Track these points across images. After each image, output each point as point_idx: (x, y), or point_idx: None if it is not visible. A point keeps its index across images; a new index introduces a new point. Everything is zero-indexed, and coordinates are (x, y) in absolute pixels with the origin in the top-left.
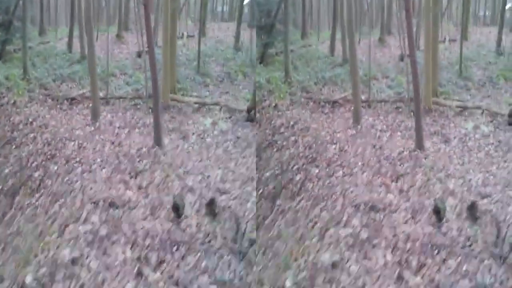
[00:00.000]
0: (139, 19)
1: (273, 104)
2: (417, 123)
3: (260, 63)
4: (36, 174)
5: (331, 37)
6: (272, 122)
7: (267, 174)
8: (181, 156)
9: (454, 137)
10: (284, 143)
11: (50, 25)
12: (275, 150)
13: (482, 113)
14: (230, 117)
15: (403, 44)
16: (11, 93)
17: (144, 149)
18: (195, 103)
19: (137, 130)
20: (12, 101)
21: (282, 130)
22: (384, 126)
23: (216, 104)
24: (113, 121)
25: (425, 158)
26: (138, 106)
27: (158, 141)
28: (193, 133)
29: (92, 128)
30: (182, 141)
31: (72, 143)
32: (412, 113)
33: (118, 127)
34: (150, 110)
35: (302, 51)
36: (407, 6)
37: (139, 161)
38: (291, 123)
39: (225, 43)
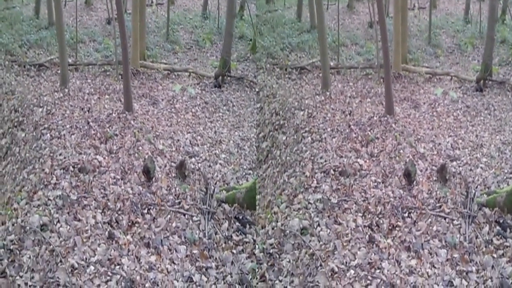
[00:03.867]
0: None
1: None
2: (387, 88)
3: None
4: (2, 142)
5: (298, 2)
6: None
7: None
8: (151, 121)
9: (424, 103)
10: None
11: None
12: None
13: (451, 79)
14: (198, 83)
15: (372, 11)
16: None
17: (114, 115)
18: (165, 69)
19: (107, 96)
20: None
21: None
22: (354, 93)
23: (185, 70)
24: (82, 87)
25: (395, 123)
26: (108, 73)
27: (128, 107)
28: (163, 99)
29: (61, 95)
30: (152, 106)
31: (40, 109)
32: (381, 80)
33: (88, 94)
34: (120, 77)
35: (267, 16)
36: None
37: (109, 127)
38: (257, 89)
39: (193, 11)
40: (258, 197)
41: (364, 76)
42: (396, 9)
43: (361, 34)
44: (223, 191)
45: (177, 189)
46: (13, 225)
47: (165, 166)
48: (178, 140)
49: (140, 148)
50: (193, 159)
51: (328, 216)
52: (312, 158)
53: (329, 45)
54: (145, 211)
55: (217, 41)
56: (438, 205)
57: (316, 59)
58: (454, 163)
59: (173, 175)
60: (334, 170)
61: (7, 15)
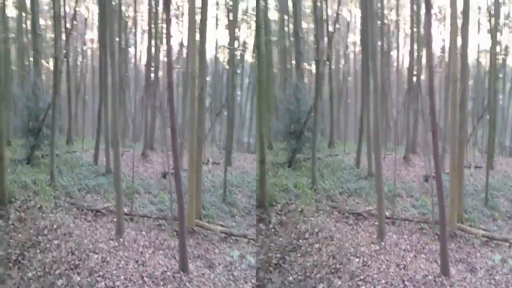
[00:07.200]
0: (165, 140)
1: (299, 209)
2: (442, 247)
3: (288, 167)
4: (59, 283)
5: (357, 149)
6: (298, 226)
7: (290, 278)
8: (207, 285)
9: (481, 268)
10: (308, 249)
11: (77, 135)
12: (299, 255)
13: (510, 246)
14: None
15: (428, 165)
16: (38, 197)
17: (169, 273)
18: (222, 232)
19: (161, 251)
20: (39, 206)
21: (306, 235)
22: (408, 246)
23: (244, 236)
24: (137, 239)
25: (451, 286)
26: (163, 227)
27: (183, 267)
28: (220, 263)
29: (116, 244)
30: (208, 270)
31: (96, 255)
32: (436, 236)
33: (142, 246)
34: (175, 233)
35: (328, 160)
36: (433, 128)
37: (163, 285)
38: (316, 230)
39: (251, 174)
40: None
41: (419, 230)
42: (453, 166)
43: (417, 187)
44: None
45: None
46: None
47: None
48: None
49: None
50: None
51: None
52: None
53: (385, 194)
54: None
55: None
56: None
57: (372, 207)
58: None
59: None
60: None
61: (68, 159)
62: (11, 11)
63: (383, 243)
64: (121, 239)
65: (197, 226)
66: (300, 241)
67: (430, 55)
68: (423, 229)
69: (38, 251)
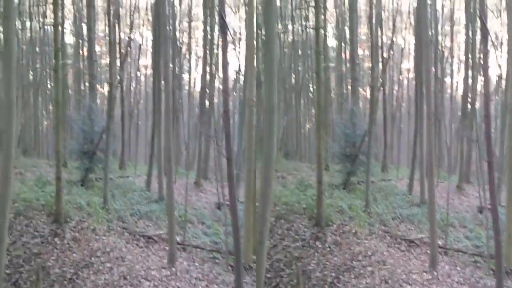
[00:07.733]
0: (219, 169)
1: (353, 231)
2: (498, 284)
3: (343, 188)
4: None
5: (410, 176)
6: (351, 248)
7: None
8: None
9: None
10: (361, 271)
11: (130, 160)
12: (352, 276)
13: None
14: None
15: (482, 196)
16: (91, 219)
17: None
18: None
19: (215, 286)
20: (92, 227)
21: (360, 258)
22: (461, 279)
23: None
24: (189, 270)
25: None
26: (217, 260)
27: None
28: None
29: (168, 273)
30: None
31: (148, 283)
32: (491, 272)
33: (195, 278)
34: (230, 268)
35: (381, 185)
36: (489, 158)
37: None
38: (369, 253)
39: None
40: None
41: (473, 263)
42: (509, 199)
43: (470, 217)
44: None
45: None
46: None
47: None
48: None
49: None
50: None
51: None
52: None
53: (437, 222)
54: None
55: None
56: None
57: (424, 234)
58: None
59: None
60: None
61: (121, 183)
62: (68, 38)
63: (435, 273)
64: (174, 269)
65: (254, 262)
66: (354, 262)
67: (487, 82)
68: (477, 262)
69: (91, 272)
